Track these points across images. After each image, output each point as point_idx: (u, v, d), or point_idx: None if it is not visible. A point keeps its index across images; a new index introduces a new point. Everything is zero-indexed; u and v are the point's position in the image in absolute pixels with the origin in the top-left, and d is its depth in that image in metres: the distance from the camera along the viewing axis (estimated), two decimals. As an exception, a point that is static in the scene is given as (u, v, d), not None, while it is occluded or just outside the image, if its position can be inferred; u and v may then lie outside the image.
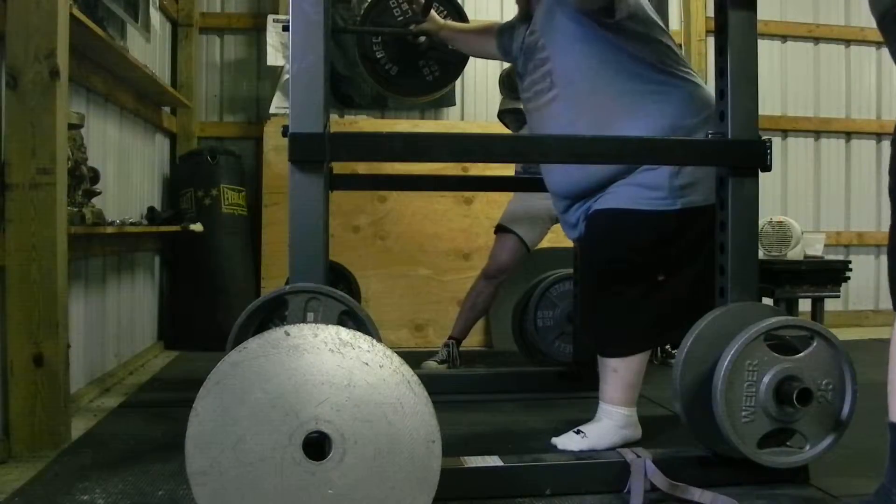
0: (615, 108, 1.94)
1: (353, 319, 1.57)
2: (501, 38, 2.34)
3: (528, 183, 3.13)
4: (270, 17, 4.01)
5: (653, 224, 1.93)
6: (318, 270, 1.59)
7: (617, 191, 1.96)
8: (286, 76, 3.91)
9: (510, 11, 2.42)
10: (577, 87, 1.98)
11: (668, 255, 1.95)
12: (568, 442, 1.98)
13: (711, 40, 1.88)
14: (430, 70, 2.66)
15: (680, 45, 4.60)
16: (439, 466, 1.29)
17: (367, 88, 4.13)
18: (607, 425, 1.99)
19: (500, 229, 3.16)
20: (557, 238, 3.59)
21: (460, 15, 2.65)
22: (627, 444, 1.92)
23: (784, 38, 4.74)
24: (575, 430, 2.00)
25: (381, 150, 1.72)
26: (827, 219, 4.78)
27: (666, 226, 1.93)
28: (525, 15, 2.21)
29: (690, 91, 1.99)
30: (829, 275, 3.83)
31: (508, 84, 3.16)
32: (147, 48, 3.37)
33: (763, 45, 3.82)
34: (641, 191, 1.93)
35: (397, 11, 2.58)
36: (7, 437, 1.93)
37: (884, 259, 3.19)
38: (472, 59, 2.74)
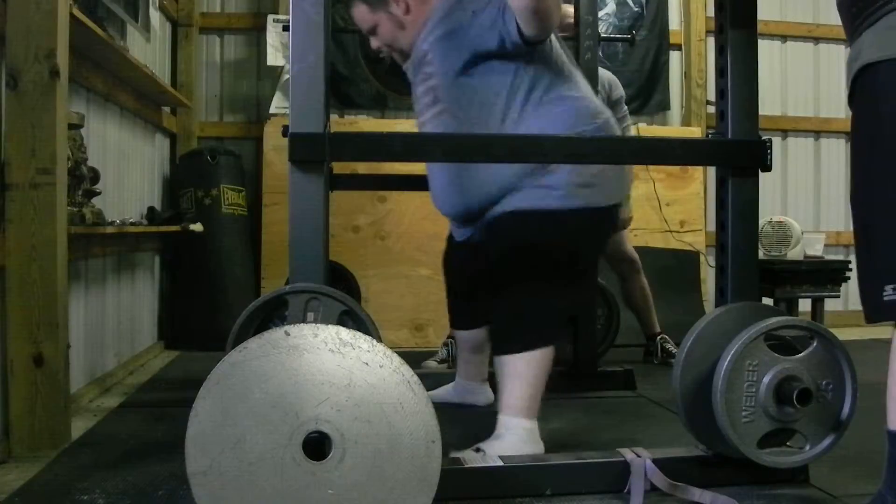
0: (498, 125, 1.93)
1: (353, 319, 1.57)
2: None
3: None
4: (270, 17, 4.01)
5: (555, 221, 1.90)
6: (318, 270, 1.59)
7: (520, 192, 1.93)
8: (286, 76, 3.91)
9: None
10: (458, 104, 1.96)
11: (569, 252, 1.93)
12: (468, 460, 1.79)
13: (711, 40, 1.88)
14: None
15: (674, 45, 4.61)
16: (439, 466, 1.29)
17: (367, 88, 4.13)
18: (509, 442, 1.83)
19: None
20: (557, 238, 3.59)
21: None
22: None
23: (784, 38, 4.74)
24: (474, 447, 1.85)
25: (381, 150, 1.72)
26: (827, 219, 4.78)
27: (568, 223, 1.90)
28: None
29: (576, 105, 1.96)
30: (829, 275, 3.84)
31: None
32: (147, 48, 3.37)
33: (763, 45, 3.81)
34: (543, 191, 1.91)
35: None
36: (7, 437, 1.93)
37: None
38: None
